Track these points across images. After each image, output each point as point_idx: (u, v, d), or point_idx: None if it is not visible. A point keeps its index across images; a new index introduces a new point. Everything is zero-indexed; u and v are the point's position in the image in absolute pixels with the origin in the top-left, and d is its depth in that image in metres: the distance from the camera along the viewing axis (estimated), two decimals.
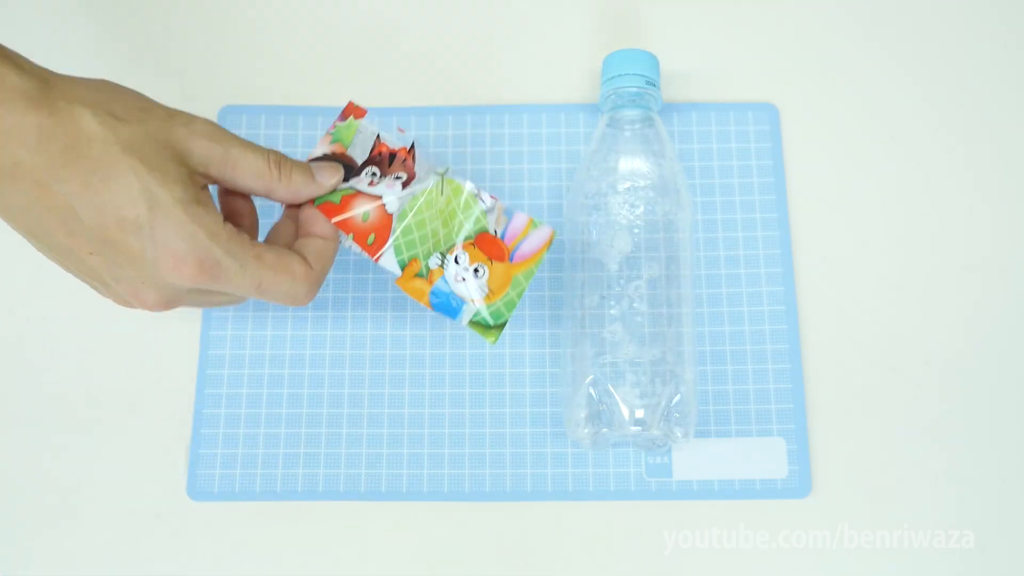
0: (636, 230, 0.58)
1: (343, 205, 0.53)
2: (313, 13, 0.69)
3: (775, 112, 0.65)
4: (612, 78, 0.61)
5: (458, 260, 0.54)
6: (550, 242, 0.55)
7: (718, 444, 0.59)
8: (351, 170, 0.55)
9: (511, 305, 0.54)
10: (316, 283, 0.52)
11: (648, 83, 0.61)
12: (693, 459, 0.59)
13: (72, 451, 0.60)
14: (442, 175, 0.55)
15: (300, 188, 0.52)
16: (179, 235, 0.46)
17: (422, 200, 0.54)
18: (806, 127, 0.65)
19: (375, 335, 0.62)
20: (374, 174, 0.55)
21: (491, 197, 0.55)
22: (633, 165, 0.59)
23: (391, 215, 0.54)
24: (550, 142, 0.65)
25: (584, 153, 0.62)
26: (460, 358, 0.61)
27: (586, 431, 0.56)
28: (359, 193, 0.54)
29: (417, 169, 0.55)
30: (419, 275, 0.54)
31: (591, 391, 0.56)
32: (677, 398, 0.56)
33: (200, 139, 0.49)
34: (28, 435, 0.61)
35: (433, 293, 0.54)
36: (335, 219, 0.53)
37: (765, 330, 0.61)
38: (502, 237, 0.55)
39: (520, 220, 0.55)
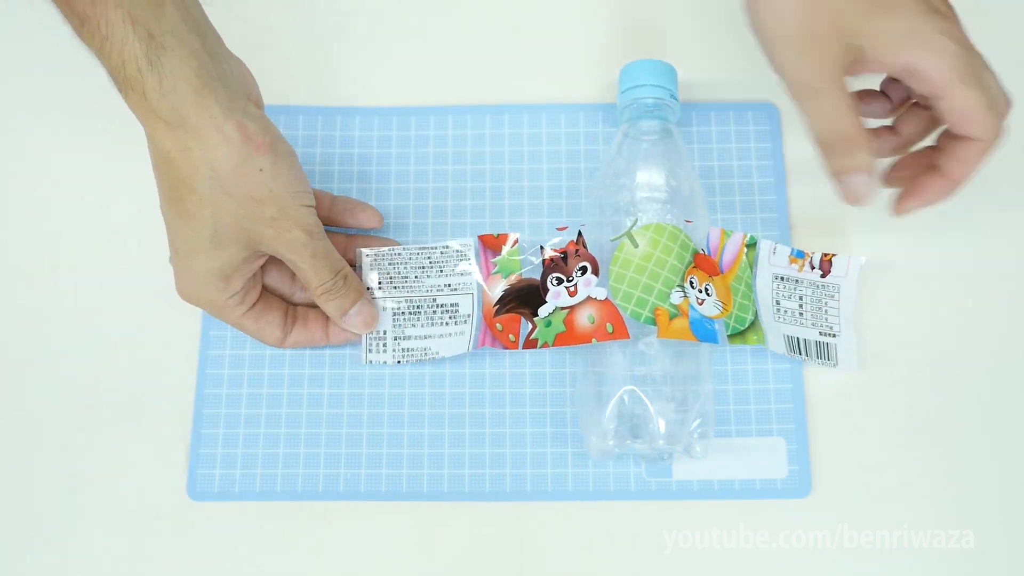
0: None
1: (569, 324, 0.57)
2: (313, 13, 0.69)
3: (775, 112, 0.65)
4: (630, 88, 0.60)
5: (692, 284, 0.56)
6: (744, 243, 0.60)
7: (718, 444, 0.59)
8: (536, 293, 0.59)
9: (745, 308, 0.58)
10: (285, 346, 0.59)
11: (670, 96, 0.60)
12: (693, 459, 0.59)
13: (72, 451, 0.60)
14: (627, 234, 0.57)
15: (330, 313, 0.58)
16: (187, 277, 0.55)
17: (617, 267, 0.57)
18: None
19: None
20: (559, 279, 0.58)
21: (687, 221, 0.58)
22: (651, 178, 0.59)
23: (608, 299, 0.57)
24: (550, 142, 0.65)
25: (601, 166, 0.61)
26: (460, 358, 0.61)
27: (612, 443, 0.56)
28: (572, 308, 0.58)
29: (592, 250, 0.59)
30: (672, 316, 0.55)
31: (625, 400, 0.56)
32: (697, 420, 0.57)
33: (283, 245, 0.54)
34: (28, 435, 0.60)
35: (692, 325, 0.55)
36: (580, 340, 0.57)
37: None
38: (708, 253, 0.58)
39: (715, 234, 0.59)
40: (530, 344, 0.58)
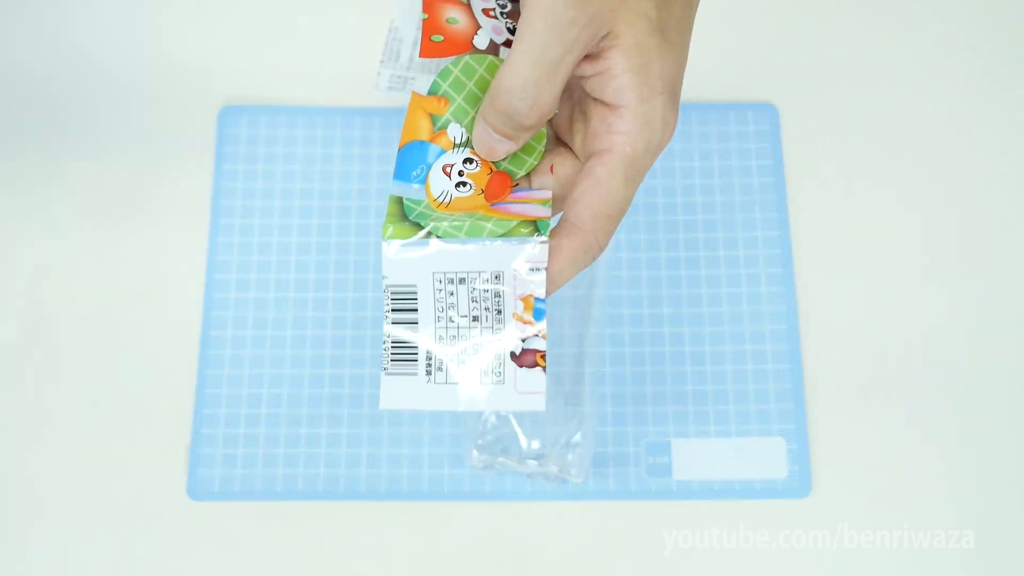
0: None
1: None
2: (313, 13, 0.69)
3: (775, 112, 0.65)
4: None
5: (469, 160, 0.43)
6: (532, 221, 0.41)
7: (718, 444, 0.59)
8: None
9: (452, 230, 0.41)
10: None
11: None
12: (693, 459, 0.59)
13: (72, 451, 0.60)
14: None
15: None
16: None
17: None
18: (806, 127, 0.65)
19: (375, 335, 0.62)
20: (502, 6, 0.44)
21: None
22: None
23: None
24: None
25: None
26: None
27: (482, 458, 0.57)
28: (469, 10, 0.43)
29: None
30: (434, 119, 0.43)
31: (491, 418, 0.57)
32: (577, 436, 0.56)
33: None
34: (28, 435, 0.60)
35: (417, 147, 0.43)
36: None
37: (765, 330, 0.61)
38: (516, 189, 0.44)
39: (541, 194, 0.43)
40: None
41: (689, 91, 0.65)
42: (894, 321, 0.61)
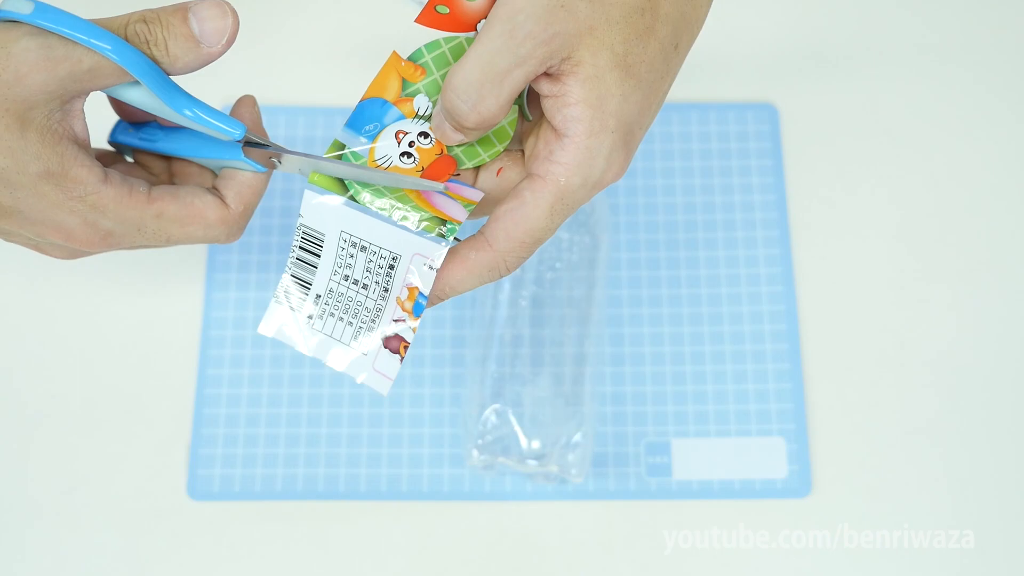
0: (550, 274, 0.58)
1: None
2: (313, 13, 0.69)
3: (775, 112, 0.65)
4: None
5: (425, 135, 0.43)
6: (441, 217, 0.42)
7: (718, 444, 0.59)
8: None
9: (369, 202, 0.42)
10: (237, 224, 0.44)
11: None
12: (693, 459, 0.59)
13: (72, 451, 0.60)
14: None
15: (182, 57, 0.43)
16: (56, 213, 0.41)
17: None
18: (806, 127, 0.65)
19: None
20: None
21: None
22: None
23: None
24: None
25: None
26: (460, 358, 0.61)
27: (482, 458, 0.57)
28: None
29: None
30: (405, 84, 0.43)
31: (492, 418, 0.57)
32: (577, 435, 0.57)
33: (28, 69, 0.38)
34: (28, 435, 0.60)
35: (379, 104, 0.43)
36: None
37: (765, 330, 0.61)
38: (454, 180, 0.44)
39: (471, 194, 0.43)
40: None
41: (689, 91, 0.66)
42: (894, 321, 0.61)
